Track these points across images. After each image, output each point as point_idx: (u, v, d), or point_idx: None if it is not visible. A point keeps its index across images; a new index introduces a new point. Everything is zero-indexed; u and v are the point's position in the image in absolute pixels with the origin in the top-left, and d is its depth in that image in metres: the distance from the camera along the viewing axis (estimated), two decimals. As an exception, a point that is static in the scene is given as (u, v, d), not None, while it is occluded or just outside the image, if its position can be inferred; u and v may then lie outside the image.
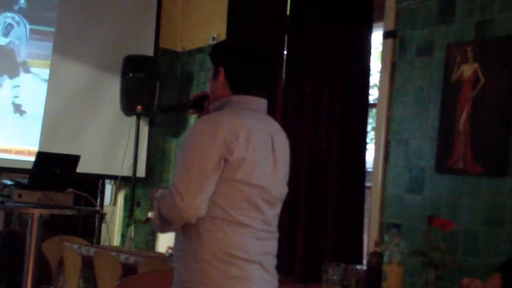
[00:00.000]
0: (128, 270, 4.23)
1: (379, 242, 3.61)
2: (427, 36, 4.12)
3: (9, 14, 5.85)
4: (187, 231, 2.33)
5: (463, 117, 3.82)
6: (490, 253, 3.61)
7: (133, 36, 6.21)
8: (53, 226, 5.45)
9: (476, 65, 3.79)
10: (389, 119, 4.31)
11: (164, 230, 2.40)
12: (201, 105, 2.56)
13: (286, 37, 5.05)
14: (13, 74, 5.85)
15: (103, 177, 6.27)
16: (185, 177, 2.27)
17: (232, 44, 2.68)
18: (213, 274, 2.29)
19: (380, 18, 4.44)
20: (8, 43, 5.90)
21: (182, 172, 2.29)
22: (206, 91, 2.58)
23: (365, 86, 4.48)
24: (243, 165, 2.29)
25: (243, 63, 2.48)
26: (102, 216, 5.81)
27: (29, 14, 5.90)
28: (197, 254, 2.31)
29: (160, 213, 2.33)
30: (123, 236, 6.06)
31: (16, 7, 5.88)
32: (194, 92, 5.92)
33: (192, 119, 5.66)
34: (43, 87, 5.89)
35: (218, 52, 2.55)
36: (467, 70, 3.83)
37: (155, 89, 5.96)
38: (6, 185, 4.23)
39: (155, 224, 2.38)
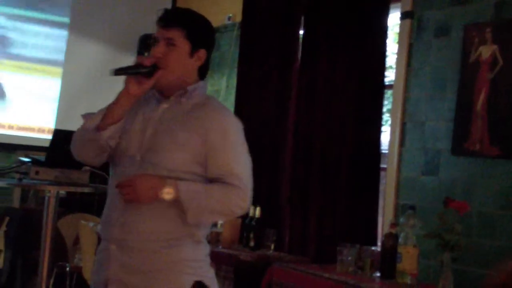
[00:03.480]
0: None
1: (394, 224, 3.62)
2: (445, 17, 4.08)
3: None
4: None
5: (481, 99, 3.79)
6: (506, 235, 3.60)
7: (149, 15, 6.13)
8: (69, 204, 5.49)
9: (495, 46, 3.75)
10: (405, 101, 4.29)
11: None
12: (152, 74, 2.43)
13: (302, 18, 5.03)
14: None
15: (119, 155, 6.28)
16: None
17: (212, 29, 2.57)
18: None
19: (398, -2, 4.41)
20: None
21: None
22: (155, 60, 2.44)
23: (381, 67, 4.46)
24: None
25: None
26: (117, 195, 5.83)
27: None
28: (199, 234, 2.40)
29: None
30: (138, 214, 6.08)
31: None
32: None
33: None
34: (60, 65, 5.90)
35: (205, 33, 2.48)
36: (485, 51, 3.80)
37: (171, 68, 5.96)
38: (23, 162, 4.25)
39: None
